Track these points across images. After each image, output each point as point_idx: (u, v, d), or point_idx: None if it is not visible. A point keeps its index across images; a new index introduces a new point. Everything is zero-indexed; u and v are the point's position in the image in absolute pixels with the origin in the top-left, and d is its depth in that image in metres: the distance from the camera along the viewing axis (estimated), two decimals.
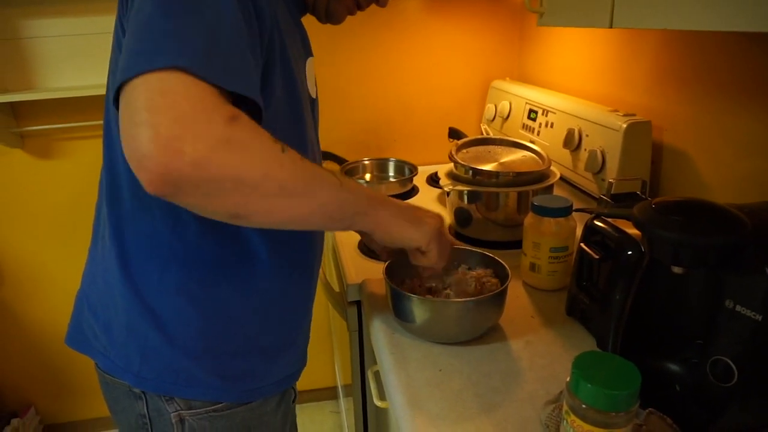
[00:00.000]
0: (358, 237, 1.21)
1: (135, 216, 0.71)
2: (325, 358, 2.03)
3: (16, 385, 1.90)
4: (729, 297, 0.58)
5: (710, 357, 0.61)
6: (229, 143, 0.50)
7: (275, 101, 0.68)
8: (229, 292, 0.75)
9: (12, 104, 1.53)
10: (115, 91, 0.52)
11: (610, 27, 0.70)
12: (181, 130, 0.47)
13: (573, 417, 0.53)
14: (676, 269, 0.61)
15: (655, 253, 0.63)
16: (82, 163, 1.66)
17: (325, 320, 1.94)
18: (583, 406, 0.52)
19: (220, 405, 0.77)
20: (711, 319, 0.62)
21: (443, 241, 0.79)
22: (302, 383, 0.92)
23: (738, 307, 0.57)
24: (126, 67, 0.50)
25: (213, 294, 0.74)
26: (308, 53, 0.82)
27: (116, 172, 0.72)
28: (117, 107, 0.53)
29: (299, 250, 0.81)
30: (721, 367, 0.59)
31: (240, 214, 0.54)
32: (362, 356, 1.12)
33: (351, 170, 1.64)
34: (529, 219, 0.96)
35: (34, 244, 1.73)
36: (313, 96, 0.83)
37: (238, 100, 0.54)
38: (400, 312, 0.83)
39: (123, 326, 0.74)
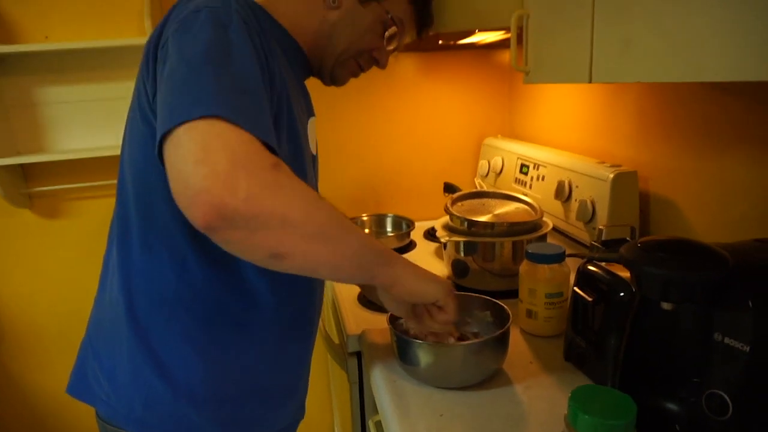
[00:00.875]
0: (357, 289, 1.23)
1: (143, 264, 0.74)
2: (324, 417, 1.99)
3: None
4: (717, 330, 0.60)
5: (705, 392, 0.62)
6: (276, 185, 0.55)
7: (281, 156, 0.73)
8: (234, 340, 0.76)
9: (22, 166, 1.59)
10: (160, 139, 0.57)
11: (590, 82, 0.76)
12: (235, 169, 0.52)
13: None
14: (666, 305, 0.64)
15: (644, 291, 0.66)
16: (88, 223, 1.69)
17: (324, 377, 1.91)
18: None
19: None
20: (703, 355, 0.63)
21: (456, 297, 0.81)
22: None
23: (726, 340, 0.59)
24: (170, 117, 0.56)
25: (217, 341, 0.75)
26: (310, 113, 0.87)
27: (128, 221, 0.75)
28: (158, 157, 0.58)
29: (301, 299, 0.83)
30: (715, 401, 0.60)
31: (280, 253, 0.57)
32: (362, 408, 1.11)
33: None
34: (524, 266, 0.99)
35: (36, 304, 1.73)
36: (314, 153, 0.88)
37: None
38: (405, 357, 0.85)
39: (127, 372, 0.75)
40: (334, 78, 0.90)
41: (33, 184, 1.62)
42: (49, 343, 1.77)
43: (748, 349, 0.57)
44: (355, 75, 0.92)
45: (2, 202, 1.56)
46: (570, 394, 0.56)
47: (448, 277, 1.25)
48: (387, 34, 0.87)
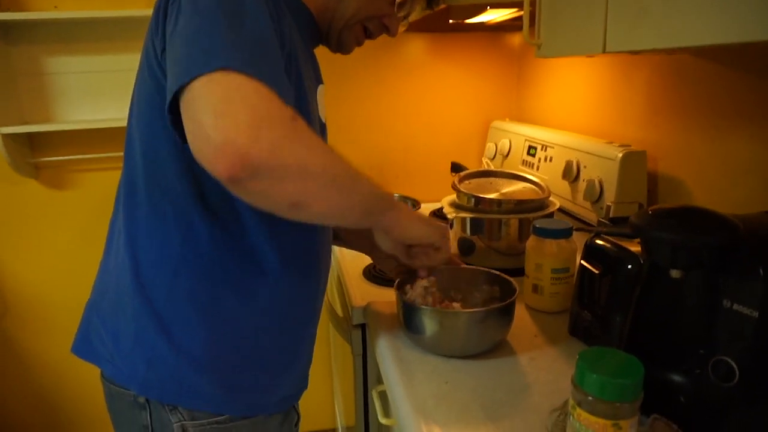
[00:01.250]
0: (362, 264, 1.23)
1: (149, 225, 0.74)
2: (325, 389, 2.01)
3: (14, 423, 1.86)
4: (726, 297, 0.60)
5: (711, 359, 0.62)
6: (296, 136, 0.57)
7: None
8: (236, 303, 0.76)
9: (30, 135, 1.59)
10: (173, 94, 0.57)
11: (603, 51, 0.75)
12: (257, 121, 0.53)
13: (579, 410, 0.54)
14: (675, 273, 0.63)
15: (654, 257, 0.66)
16: (92, 195, 1.70)
17: (325, 351, 1.92)
18: (590, 398, 0.53)
19: (222, 417, 0.77)
20: (710, 324, 0.63)
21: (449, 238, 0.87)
22: (302, 425, 0.92)
23: (735, 306, 0.59)
24: (185, 70, 0.56)
25: (220, 304, 0.75)
26: (319, 80, 0.87)
27: (135, 182, 0.75)
28: (168, 113, 0.59)
29: (305, 263, 0.83)
30: (722, 368, 0.60)
31: (300, 202, 0.59)
32: (365, 379, 1.12)
33: None
34: (531, 242, 0.99)
35: (40, 275, 1.74)
36: (323, 120, 0.88)
37: None
38: (410, 324, 0.85)
39: (131, 334, 0.75)
40: (340, 43, 0.89)
41: (39, 155, 1.62)
42: (53, 313, 1.78)
43: (756, 314, 0.57)
44: (360, 43, 0.92)
45: (9, 170, 1.57)
46: (578, 355, 0.56)
47: (456, 255, 1.25)
48: (397, 0, 0.86)
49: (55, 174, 1.66)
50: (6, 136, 1.46)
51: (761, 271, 0.58)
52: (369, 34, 0.90)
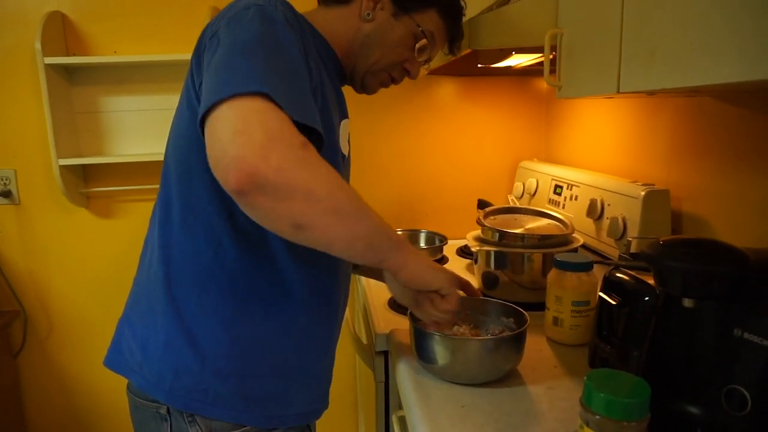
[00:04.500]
0: (387, 294, 1.26)
1: (182, 241, 0.80)
2: (349, 414, 2.00)
3: None
4: (737, 326, 0.61)
5: (724, 388, 0.62)
6: (305, 161, 0.61)
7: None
8: (260, 318, 0.80)
9: (84, 167, 1.71)
10: (203, 113, 0.63)
11: (618, 92, 0.79)
12: (270, 143, 0.59)
13: (587, 430, 0.56)
14: (687, 302, 0.65)
15: (666, 286, 0.67)
16: (135, 223, 1.80)
17: (351, 380, 1.93)
18: (597, 417, 0.55)
19: (239, 430, 0.79)
20: (723, 353, 0.64)
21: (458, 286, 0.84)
22: None
23: (746, 335, 0.60)
24: (214, 93, 0.62)
25: (245, 318, 0.79)
26: (343, 115, 0.93)
27: (170, 202, 0.81)
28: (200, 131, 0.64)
29: (326, 285, 0.87)
30: (735, 397, 0.61)
31: (301, 224, 0.63)
32: (387, 404, 1.13)
33: None
34: (552, 275, 1.01)
35: (83, 297, 1.83)
36: (345, 153, 0.93)
37: (302, 130, 0.65)
38: (422, 351, 0.87)
39: (161, 343, 0.79)
40: (364, 86, 0.96)
41: (91, 185, 1.74)
42: (92, 333, 1.86)
43: (767, 343, 0.58)
44: (386, 85, 0.97)
45: (63, 199, 1.69)
46: (586, 376, 0.58)
47: (478, 289, 1.27)
48: (418, 46, 0.92)
49: (104, 204, 1.77)
50: (63, 167, 1.58)
51: None
52: (393, 80, 0.96)
